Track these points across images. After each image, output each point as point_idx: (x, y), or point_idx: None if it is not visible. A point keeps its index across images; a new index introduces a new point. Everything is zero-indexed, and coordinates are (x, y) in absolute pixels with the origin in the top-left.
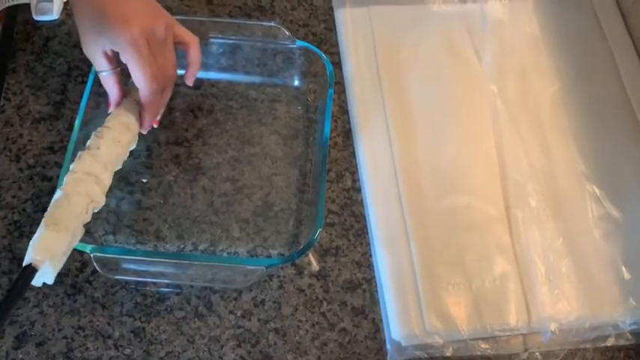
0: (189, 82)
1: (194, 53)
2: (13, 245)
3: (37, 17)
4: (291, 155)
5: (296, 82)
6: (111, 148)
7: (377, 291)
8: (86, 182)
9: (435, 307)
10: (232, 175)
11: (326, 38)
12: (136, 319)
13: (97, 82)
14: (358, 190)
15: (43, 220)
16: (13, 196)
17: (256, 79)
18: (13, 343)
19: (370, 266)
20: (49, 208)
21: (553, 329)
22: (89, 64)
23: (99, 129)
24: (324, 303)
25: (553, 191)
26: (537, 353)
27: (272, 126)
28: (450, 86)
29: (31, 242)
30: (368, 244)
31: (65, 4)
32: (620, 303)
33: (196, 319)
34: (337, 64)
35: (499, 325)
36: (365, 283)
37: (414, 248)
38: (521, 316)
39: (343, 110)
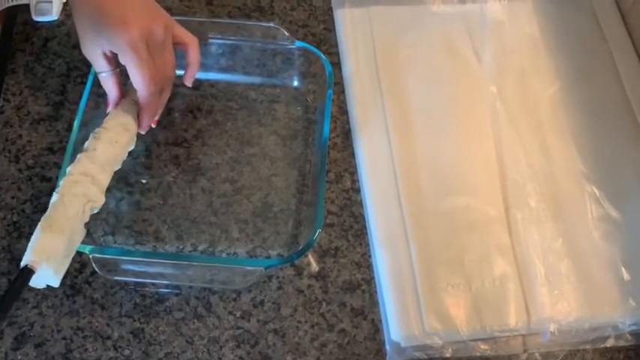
0: (188, 83)
1: (193, 54)
2: (12, 246)
3: (36, 18)
4: (291, 156)
5: (295, 83)
6: (108, 149)
7: (376, 292)
8: (82, 183)
9: (435, 308)
10: (231, 175)
11: (325, 39)
12: (135, 320)
13: (97, 83)
14: (357, 190)
15: (39, 223)
16: (13, 197)
17: (255, 79)
18: (12, 344)
19: (369, 267)
20: (46, 212)
21: (552, 330)
22: (88, 65)
23: (96, 130)
24: (324, 304)
25: (552, 192)
26: (537, 354)
27: (271, 126)
28: (449, 87)
29: (28, 245)
30: (367, 245)
31: (64, 4)
32: (620, 304)
33: (195, 320)
34: (337, 65)
35: (498, 325)
36: (364, 283)
37: (413, 249)
38: (520, 316)
39: (342, 111)
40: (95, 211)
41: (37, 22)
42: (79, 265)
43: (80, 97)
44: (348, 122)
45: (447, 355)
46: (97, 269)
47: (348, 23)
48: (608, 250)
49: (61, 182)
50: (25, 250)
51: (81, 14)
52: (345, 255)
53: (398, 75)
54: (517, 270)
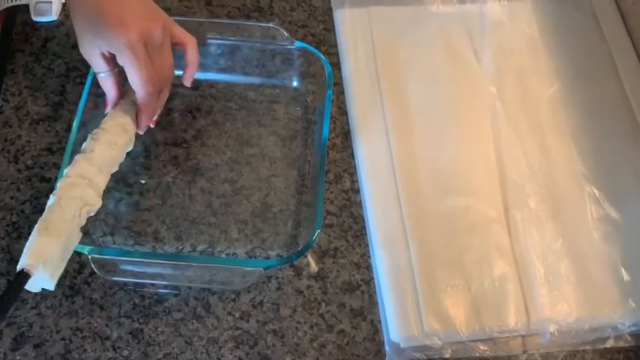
0: (187, 83)
1: (192, 54)
2: (12, 247)
3: (35, 18)
4: (290, 156)
5: (295, 83)
6: (106, 151)
7: (375, 292)
8: (79, 186)
9: (434, 309)
10: (231, 176)
11: (325, 39)
12: (134, 321)
13: (96, 83)
14: (357, 191)
15: (35, 226)
16: (12, 198)
17: (255, 80)
18: (11, 345)
19: (369, 267)
20: (43, 214)
21: (552, 331)
22: (87, 65)
23: (95, 131)
24: (323, 304)
25: (552, 192)
26: (536, 355)
27: (271, 127)
28: (449, 87)
29: (25, 248)
30: (367, 246)
31: (64, 5)
32: (620, 304)
33: (194, 321)
34: (336, 65)
35: (498, 326)
36: (363, 284)
37: (412, 249)
38: (520, 317)
39: (342, 111)
40: (92, 214)
41: (37, 22)
42: (78, 265)
43: (79, 98)
44: (347, 123)
45: (447, 355)
46: (95, 270)
47: (347, 23)
48: (608, 250)
49: (59, 184)
50: (23, 251)
51: (79, 14)
52: (345, 255)
53: (397, 75)
54: (517, 270)
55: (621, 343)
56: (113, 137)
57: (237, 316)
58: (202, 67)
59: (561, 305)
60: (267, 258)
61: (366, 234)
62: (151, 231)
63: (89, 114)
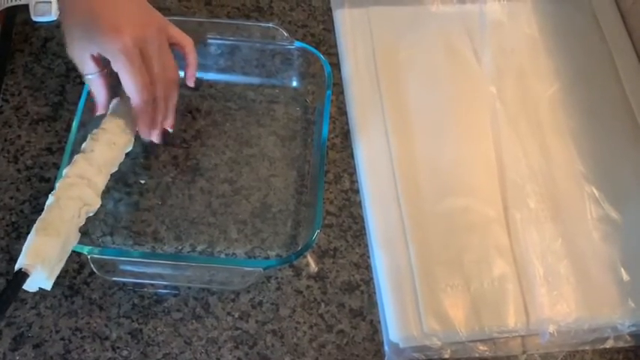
0: (190, 83)
1: (191, 54)
2: (11, 246)
3: (35, 18)
4: (289, 156)
5: (294, 83)
6: (105, 151)
7: (375, 292)
8: (78, 186)
9: (433, 309)
10: (230, 176)
11: (325, 39)
12: (133, 321)
13: None
14: (356, 191)
15: (34, 226)
16: (11, 197)
17: (254, 80)
18: (11, 345)
19: (368, 268)
20: (41, 214)
21: (552, 331)
22: None
23: (94, 131)
24: (322, 304)
25: (552, 192)
26: (536, 355)
27: (270, 127)
28: (448, 87)
29: (23, 248)
30: (366, 246)
31: None
32: (619, 305)
33: (194, 321)
34: (336, 65)
35: (497, 326)
36: (363, 284)
37: (412, 250)
38: (519, 317)
39: (342, 111)
40: (90, 215)
41: (37, 22)
42: (77, 265)
43: (79, 98)
44: (347, 123)
45: (446, 355)
46: (95, 270)
47: (347, 23)
48: (608, 250)
49: (58, 184)
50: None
51: (71, 17)
52: (344, 256)
53: (397, 75)
54: (516, 271)
55: (621, 344)
56: (113, 137)
57: (236, 316)
58: (202, 67)
59: (561, 305)
60: (267, 258)
61: (365, 234)
62: (150, 231)
63: (89, 114)
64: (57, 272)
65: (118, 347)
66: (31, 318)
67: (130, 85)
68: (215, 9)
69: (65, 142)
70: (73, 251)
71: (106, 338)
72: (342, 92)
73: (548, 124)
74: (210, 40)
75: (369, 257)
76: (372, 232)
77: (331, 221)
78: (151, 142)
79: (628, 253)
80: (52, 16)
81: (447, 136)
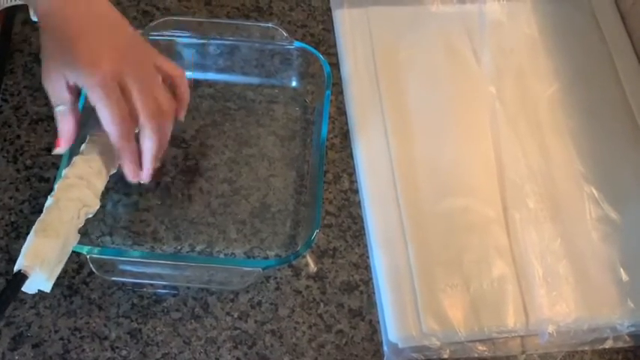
0: (181, 118)
1: (182, 87)
2: (10, 246)
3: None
4: (289, 156)
5: (294, 83)
6: (104, 152)
7: (374, 293)
8: (78, 187)
9: (433, 309)
10: (230, 176)
11: (324, 39)
12: (132, 321)
13: None
14: (356, 191)
15: (33, 227)
16: (10, 197)
17: (254, 80)
18: (10, 345)
19: (367, 268)
20: (41, 215)
21: (551, 331)
22: None
23: (94, 132)
24: (321, 304)
25: (551, 193)
26: (535, 355)
27: (269, 127)
28: (448, 87)
29: (22, 249)
30: (365, 246)
31: None
32: (618, 305)
33: (193, 321)
34: (335, 65)
35: (497, 327)
36: (362, 284)
37: (411, 250)
38: (518, 318)
39: (341, 111)
40: (90, 216)
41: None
42: (76, 265)
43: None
44: (346, 123)
45: (445, 356)
46: (94, 270)
47: (346, 23)
48: (607, 251)
49: (57, 185)
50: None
51: (49, 40)
52: (343, 256)
53: (397, 75)
54: (515, 271)
55: (620, 344)
56: None
57: (235, 316)
58: (201, 67)
59: (560, 306)
60: (266, 258)
61: (364, 234)
62: (149, 231)
63: (88, 115)
64: (56, 274)
65: (117, 347)
66: (30, 318)
67: (105, 118)
68: (215, 9)
69: None
70: (73, 251)
71: (105, 338)
72: (341, 92)
73: (548, 124)
74: (209, 40)
75: (368, 257)
76: (372, 232)
77: (330, 221)
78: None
79: (627, 253)
80: None
81: (446, 136)
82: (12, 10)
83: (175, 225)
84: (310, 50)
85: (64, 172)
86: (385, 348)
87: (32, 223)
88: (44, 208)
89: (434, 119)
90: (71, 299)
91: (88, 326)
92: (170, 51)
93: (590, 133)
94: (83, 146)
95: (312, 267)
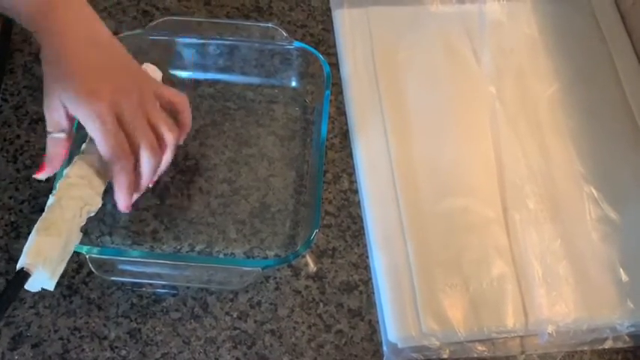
0: (181, 142)
1: (184, 113)
2: (10, 246)
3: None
4: (288, 156)
5: (293, 83)
6: None
7: (373, 293)
8: (79, 186)
9: (432, 309)
10: (229, 176)
11: (324, 39)
12: (131, 321)
13: None
14: (355, 191)
15: (35, 226)
16: (10, 197)
17: (254, 80)
18: (9, 345)
19: (367, 268)
20: (42, 214)
21: (550, 331)
22: None
23: None
24: (321, 304)
25: (551, 193)
26: (534, 355)
27: (269, 127)
28: (448, 87)
29: (25, 247)
30: (365, 246)
31: None
32: (618, 305)
33: (192, 321)
34: (335, 65)
35: (496, 327)
36: (362, 284)
37: (410, 250)
38: (518, 318)
39: (341, 111)
40: (92, 215)
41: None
42: (76, 265)
43: None
44: (346, 123)
45: (445, 356)
46: (93, 269)
47: (346, 24)
48: (607, 251)
49: (58, 184)
50: (21, 250)
51: (49, 63)
52: (343, 256)
53: (396, 75)
54: (515, 271)
55: (619, 344)
56: None
57: (235, 316)
58: (201, 67)
59: (559, 306)
60: (265, 258)
61: (364, 234)
62: (149, 231)
63: None
64: (59, 272)
65: (117, 347)
66: (30, 317)
67: (104, 151)
68: (214, 9)
69: None
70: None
71: (105, 338)
72: (341, 92)
73: (548, 125)
74: (209, 40)
75: (367, 257)
76: (371, 232)
77: (330, 221)
78: None
79: (627, 253)
80: None
81: (446, 136)
82: None
83: (175, 225)
84: (310, 50)
85: (66, 171)
86: (385, 348)
87: (32, 222)
88: (46, 207)
89: (434, 119)
90: (70, 299)
91: (87, 326)
92: (170, 51)
93: (590, 133)
94: (84, 146)
95: (312, 267)
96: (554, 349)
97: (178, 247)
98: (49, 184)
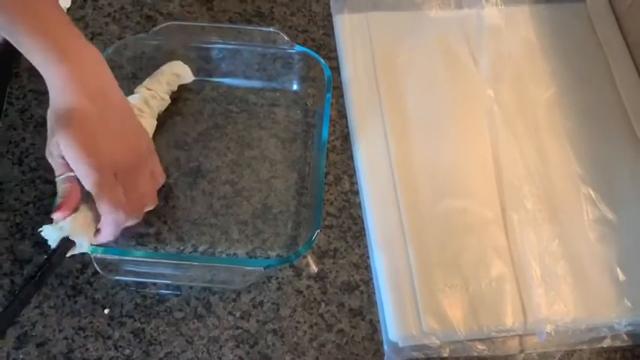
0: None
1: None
2: (15, 247)
3: None
4: (290, 158)
5: (295, 87)
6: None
7: (374, 292)
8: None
9: (432, 309)
10: (232, 177)
11: (325, 43)
12: (135, 320)
13: None
14: (356, 192)
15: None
16: (16, 199)
17: (256, 83)
18: (14, 344)
19: (368, 268)
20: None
21: (549, 330)
22: None
23: None
24: (322, 304)
25: (549, 194)
26: (534, 354)
27: (271, 130)
28: (446, 91)
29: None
30: (365, 247)
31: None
32: (616, 304)
33: (195, 320)
34: (336, 69)
35: (495, 326)
36: (362, 284)
37: (410, 250)
38: (517, 317)
39: (341, 114)
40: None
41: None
42: (80, 265)
43: None
44: (346, 125)
45: (445, 354)
46: (98, 269)
47: (347, 28)
48: (604, 251)
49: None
50: (27, 251)
51: (52, 116)
52: (344, 256)
53: (396, 79)
54: (514, 271)
55: (618, 343)
56: None
57: (237, 315)
58: (204, 70)
59: (558, 305)
60: (268, 258)
61: (365, 235)
62: (153, 232)
63: None
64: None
65: (121, 346)
66: (35, 317)
67: (102, 207)
68: (217, 14)
69: None
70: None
71: (109, 337)
72: (341, 95)
73: (545, 127)
74: (212, 45)
75: (368, 258)
76: (372, 233)
77: (331, 222)
78: (154, 145)
79: (624, 253)
80: None
81: (445, 139)
82: None
83: (178, 226)
84: (311, 54)
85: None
86: (385, 347)
87: (37, 224)
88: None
89: (433, 122)
90: (75, 299)
91: (91, 325)
92: (173, 55)
93: (587, 135)
94: None
95: (313, 267)
96: (553, 347)
97: (182, 247)
98: (54, 186)
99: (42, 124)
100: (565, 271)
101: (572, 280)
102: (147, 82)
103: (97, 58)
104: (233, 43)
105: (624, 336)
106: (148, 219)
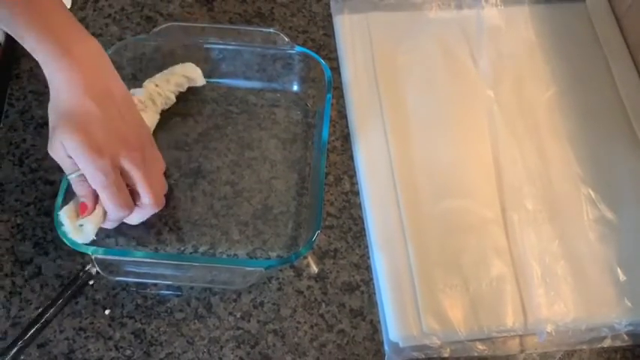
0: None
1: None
2: (16, 248)
3: None
4: (290, 159)
5: (295, 88)
6: None
7: (375, 293)
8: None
9: (432, 309)
10: (232, 178)
11: (325, 44)
12: (136, 321)
13: None
14: (356, 193)
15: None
16: (16, 200)
17: (256, 84)
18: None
19: (368, 268)
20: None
21: (549, 331)
22: None
23: None
24: (323, 304)
25: (549, 194)
26: (534, 354)
27: (271, 130)
28: (446, 91)
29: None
30: (366, 247)
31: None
32: (616, 304)
33: (196, 321)
34: (336, 70)
35: (496, 326)
36: (363, 285)
37: (411, 251)
38: (517, 317)
39: (342, 115)
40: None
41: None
42: (81, 266)
43: None
44: (347, 126)
45: (445, 355)
46: (99, 270)
47: (347, 29)
48: (604, 251)
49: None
50: (27, 252)
51: (54, 112)
52: (344, 256)
53: (396, 80)
54: (514, 271)
55: (618, 343)
56: None
57: (238, 316)
58: (205, 71)
59: (558, 305)
60: (268, 259)
61: (365, 235)
62: (153, 232)
63: None
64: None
65: (122, 347)
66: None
67: (108, 205)
68: (217, 15)
69: None
70: (77, 251)
71: (110, 338)
72: (342, 96)
73: (545, 127)
74: (212, 45)
75: (368, 258)
76: (372, 233)
77: (332, 222)
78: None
79: (624, 253)
80: None
81: (445, 139)
82: None
83: (179, 227)
84: (311, 55)
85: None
86: (386, 347)
87: (38, 225)
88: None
89: (433, 122)
90: (76, 300)
91: (92, 326)
92: (173, 56)
93: (587, 135)
94: None
95: (314, 268)
96: (553, 347)
97: (182, 248)
98: (55, 187)
99: (42, 125)
100: (565, 271)
101: (572, 280)
102: (156, 78)
103: (98, 51)
104: (233, 43)
105: (624, 336)
106: (148, 220)
